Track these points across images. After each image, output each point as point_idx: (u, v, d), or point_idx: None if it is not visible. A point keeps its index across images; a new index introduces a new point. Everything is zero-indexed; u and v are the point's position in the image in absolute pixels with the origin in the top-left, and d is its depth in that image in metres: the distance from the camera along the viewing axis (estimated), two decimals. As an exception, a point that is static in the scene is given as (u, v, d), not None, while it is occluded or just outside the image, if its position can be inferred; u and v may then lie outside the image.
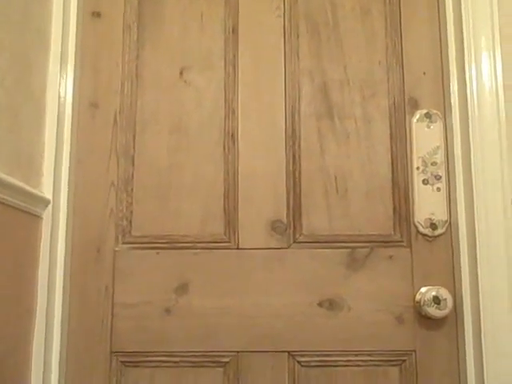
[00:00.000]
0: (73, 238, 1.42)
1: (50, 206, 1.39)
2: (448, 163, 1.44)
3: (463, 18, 1.43)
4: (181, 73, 1.48)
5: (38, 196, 1.36)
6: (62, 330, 1.38)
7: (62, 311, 1.38)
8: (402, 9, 1.51)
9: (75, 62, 1.46)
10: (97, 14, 1.49)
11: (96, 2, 1.50)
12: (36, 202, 1.35)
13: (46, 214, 1.39)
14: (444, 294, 1.37)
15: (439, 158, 1.43)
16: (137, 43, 1.49)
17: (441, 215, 1.41)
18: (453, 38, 1.47)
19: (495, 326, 1.34)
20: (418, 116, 1.45)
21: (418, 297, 1.39)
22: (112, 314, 1.39)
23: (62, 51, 1.44)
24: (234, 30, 1.50)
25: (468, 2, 1.43)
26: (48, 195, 1.39)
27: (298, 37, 1.51)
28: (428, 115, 1.45)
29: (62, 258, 1.39)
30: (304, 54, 1.50)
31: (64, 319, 1.38)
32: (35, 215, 1.36)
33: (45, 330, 1.35)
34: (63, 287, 1.39)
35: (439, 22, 1.49)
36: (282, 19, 1.51)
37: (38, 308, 1.36)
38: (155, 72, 1.49)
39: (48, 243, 1.38)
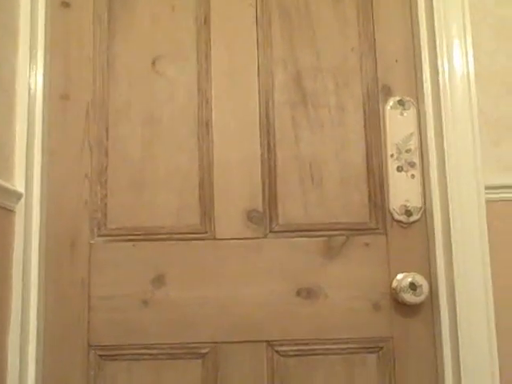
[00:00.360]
0: (47, 231, 1.44)
1: (22, 200, 1.41)
2: (422, 150, 1.48)
3: (434, 6, 1.47)
4: (153, 63, 1.50)
5: (10, 189, 1.38)
6: (38, 324, 1.40)
7: (38, 306, 1.40)
8: (373, -4, 1.52)
9: (45, 53, 1.48)
10: (66, 4, 1.51)
11: (65, -8, 1.50)
12: (8, 195, 1.37)
13: (19, 208, 1.41)
14: (420, 280, 1.41)
15: (413, 144, 1.47)
16: (108, 34, 1.51)
17: (415, 202, 1.46)
18: (424, 26, 1.51)
19: (470, 311, 1.38)
20: (391, 103, 1.49)
21: (394, 283, 1.43)
22: (88, 308, 1.42)
23: (30, 42, 1.46)
24: (206, 20, 1.52)
25: (439, -12, 1.45)
26: (20, 188, 1.41)
27: (270, 25, 1.54)
28: (401, 102, 1.49)
29: (37, 252, 1.41)
30: (277, 43, 1.53)
31: (40, 314, 1.40)
32: (7, 209, 1.38)
33: (20, 325, 1.38)
34: (38, 281, 1.41)
35: (411, 10, 1.53)
36: (254, 8, 1.54)
37: (13, 303, 1.38)
38: (127, 63, 1.51)
39: (22, 237, 1.40)
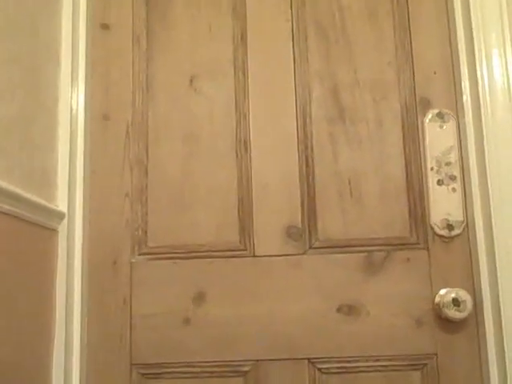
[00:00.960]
0: (89, 250, 1.53)
1: (65, 220, 1.49)
2: (462, 163, 1.52)
3: (472, 16, 1.51)
4: (191, 81, 1.58)
5: (53, 210, 1.46)
6: (81, 344, 1.48)
7: (81, 325, 1.48)
8: (409, 9, 1.60)
9: (86, 74, 1.57)
10: (105, 26, 1.60)
11: (104, 14, 1.61)
12: (51, 215, 1.45)
13: (62, 228, 1.49)
14: (463, 295, 1.45)
15: (453, 157, 1.52)
16: (146, 54, 1.60)
17: (457, 216, 1.50)
18: (462, 36, 1.55)
19: (516, 327, 1.40)
20: (430, 116, 1.54)
21: (437, 299, 1.47)
22: (130, 326, 1.49)
23: (72, 64, 1.55)
24: (243, 37, 1.60)
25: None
26: (63, 208, 1.49)
27: (306, 40, 1.61)
28: (440, 115, 1.53)
29: (79, 271, 1.49)
30: (313, 58, 1.59)
31: (83, 333, 1.48)
32: (51, 229, 1.47)
33: (64, 345, 1.45)
34: (81, 300, 1.49)
35: (448, 21, 1.58)
36: (290, 23, 1.61)
37: (56, 323, 1.46)
38: (165, 82, 1.59)
39: (65, 256, 1.48)
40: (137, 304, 1.50)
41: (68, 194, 1.51)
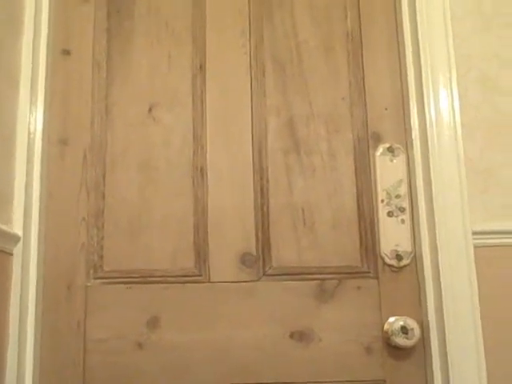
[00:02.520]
0: (44, 273, 1.71)
1: (20, 243, 1.67)
2: (411, 196, 1.77)
3: (422, 58, 1.79)
4: (149, 110, 1.80)
5: (9, 232, 1.64)
6: (34, 366, 1.64)
7: (34, 347, 1.65)
8: (363, 47, 1.86)
9: (45, 98, 1.77)
10: (67, 52, 1.81)
11: (66, 40, 1.82)
12: (6, 238, 1.63)
13: (17, 251, 1.67)
14: (411, 323, 1.68)
15: (403, 190, 1.77)
16: (106, 80, 1.81)
17: (406, 246, 1.75)
18: (412, 76, 1.82)
19: (461, 355, 1.65)
20: (381, 150, 1.79)
21: (386, 327, 1.70)
22: (84, 350, 1.67)
23: (31, 88, 1.74)
24: (202, 68, 1.83)
25: (426, 41, 1.79)
26: (18, 231, 1.67)
27: (264, 73, 1.85)
28: (391, 149, 1.79)
29: (34, 294, 1.67)
30: (270, 91, 1.84)
31: (36, 356, 1.66)
32: (5, 252, 1.64)
33: (17, 367, 1.61)
34: (35, 323, 1.66)
35: (399, 60, 1.86)
36: (248, 56, 1.85)
37: (9, 345, 1.62)
38: (124, 109, 1.80)
39: (19, 279, 1.65)
40: (91, 328, 1.69)
41: (24, 217, 1.69)
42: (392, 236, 1.76)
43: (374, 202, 1.78)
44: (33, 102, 1.76)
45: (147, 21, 1.86)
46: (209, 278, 1.73)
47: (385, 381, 1.70)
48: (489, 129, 1.77)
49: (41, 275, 1.70)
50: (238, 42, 1.86)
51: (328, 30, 1.88)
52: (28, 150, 1.72)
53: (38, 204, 1.72)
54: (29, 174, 1.71)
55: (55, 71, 1.82)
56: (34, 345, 1.66)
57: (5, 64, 1.67)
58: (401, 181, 1.78)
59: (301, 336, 1.71)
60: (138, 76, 1.83)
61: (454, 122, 1.76)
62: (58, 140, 1.78)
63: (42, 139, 1.75)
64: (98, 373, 1.67)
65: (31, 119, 1.74)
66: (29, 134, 1.73)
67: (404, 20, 1.86)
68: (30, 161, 1.72)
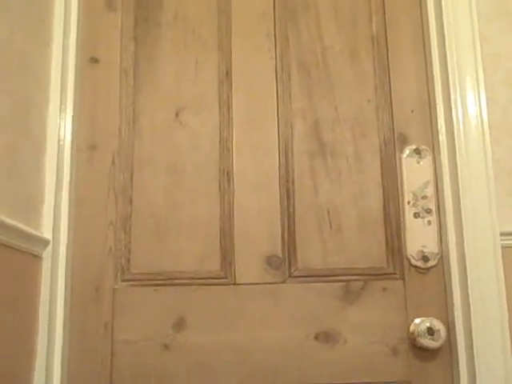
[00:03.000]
0: (72, 276, 1.80)
1: (49, 246, 1.77)
2: (438, 197, 1.83)
3: (448, 58, 1.85)
4: (176, 114, 1.89)
5: (38, 237, 1.73)
6: (62, 370, 1.73)
7: (63, 349, 1.74)
8: (389, 50, 1.93)
9: (74, 106, 1.88)
10: (95, 60, 1.92)
11: (94, 48, 1.93)
12: (36, 242, 1.73)
13: (46, 254, 1.77)
14: (437, 325, 1.73)
15: (429, 192, 1.82)
16: (133, 87, 1.91)
17: (432, 248, 1.79)
18: (439, 78, 1.88)
19: (488, 357, 1.69)
20: (407, 152, 1.85)
21: (412, 328, 1.75)
22: (112, 352, 1.76)
23: (61, 96, 1.85)
24: (228, 73, 1.92)
25: (452, 42, 1.84)
26: (48, 236, 1.77)
27: (289, 78, 1.93)
28: (417, 151, 1.84)
29: (62, 297, 1.76)
30: (296, 95, 1.91)
31: (64, 357, 1.75)
32: (35, 255, 1.74)
33: (45, 372, 1.70)
34: (63, 325, 1.75)
35: (425, 63, 1.92)
36: (274, 61, 1.94)
37: (38, 346, 1.72)
38: (151, 114, 1.90)
39: (48, 282, 1.75)
40: (118, 330, 1.77)
41: (53, 222, 1.79)
42: (418, 237, 1.81)
43: (401, 204, 1.84)
44: (62, 109, 1.86)
45: (174, 28, 1.96)
46: (235, 280, 1.81)
47: (411, 382, 1.75)
48: (517, 129, 1.81)
49: (69, 278, 1.80)
50: (263, 46, 1.94)
51: (353, 34, 1.96)
52: (58, 156, 1.82)
53: (66, 208, 1.82)
54: (58, 179, 1.81)
55: (84, 79, 1.92)
56: (63, 346, 1.75)
57: (34, 72, 1.78)
58: (427, 182, 1.83)
59: (326, 337, 1.77)
60: (165, 82, 1.93)
61: (482, 122, 1.81)
62: (86, 146, 1.89)
63: (71, 145, 1.86)
64: (125, 374, 1.75)
65: (61, 126, 1.85)
66: (58, 140, 1.83)
67: (430, 21, 1.92)
68: (59, 166, 1.82)
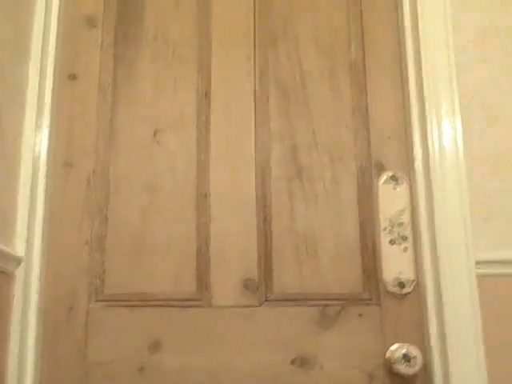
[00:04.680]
0: (45, 295, 1.78)
1: (22, 264, 1.75)
2: (414, 224, 1.85)
3: (424, 86, 1.88)
4: (154, 134, 1.89)
5: (11, 254, 1.72)
6: (33, 389, 1.69)
7: (35, 369, 1.72)
8: (367, 75, 1.96)
9: (50, 122, 1.86)
10: (73, 77, 1.92)
11: (72, 65, 1.93)
12: (8, 260, 1.71)
13: (19, 272, 1.75)
14: (413, 351, 1.74)
15: (405, 218, 1.85)
16: (111, 105, 1.92)
17: (408, 274, 1.82)
18: (416, 104, 1.91)
19: (464, 383, 1.71)
20: (384, 178, 1.88)
21: (388, 354, 1.77)
22: (86, 373, 1.74)
23: (37, 112, 1.84)
24: (207, 94, 1.93)
25: (429, 71, 1.89)
26: (21, 253, 1.75)
27: (268, 100, 1.95)
28: (394, 178, 1.87)
29: (35, 315, 1.74)
30: (274, 118, 1.93)
31: (36, 378, 1.72)
32: (7, 273, 1.72)
33: (16, 390, 1.67)
34: (35, 344, 1.73)
35: (403, 89, 1.95)
36: (253, 83, 1.96)
37: (10, 365, 1.69)
38: (129, 133, 1.90)
39: (20, 301, 1.73)
40: (92, 350, 1.76)
41: (26, 239, 1.77)
42: (394, 264, 1.84)
43: (377, 230, 1.86)
44: (38, 125, 1.85)
45: (154, 46, 1.97)
46: (210, 303, 1.80)
47: (387, 409, 1.75)
48: (491, 157, 1.85)
49: (42, 297, 1.78)
50: (242, 68, 1.96)
51: (332, 60, 1.98)
52: (33, 173, 1.81)
53: (41, 226, 1.80)
54: (32, 196, 1.80)
55: (61, 95, 1.92)
56: (35, 365, 1.72)
57: (11, 87, 1.76)
58: (404, 209, 1.86)
59: (302, 362, 1.77)
60: (143, 101, 1.93)
61: (457, 150, 1.84)
62: (62, 163, 1.88)
63: (47, 162, 1.84)
64: (97, 396, 1.72)
65: (36, 142, 1.84)
66: (33, 156, 1.82)
67: (408, 49, 1.95)
68: (34, 183, 1.80)
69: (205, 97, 1.94)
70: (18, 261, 1.74)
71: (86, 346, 1.76)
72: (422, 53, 1.92)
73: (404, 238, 1.85)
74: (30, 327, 1.74)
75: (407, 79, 1.94)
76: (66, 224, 1.84)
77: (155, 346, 1.76)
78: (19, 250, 1.76)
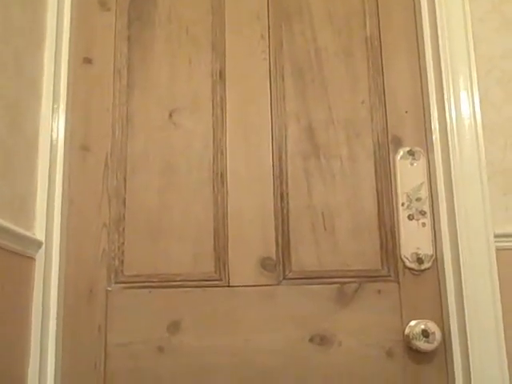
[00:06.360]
0: (65, 278, 1.80)
1: (42, 248, 1.77)
2: (432, 199, 1.82)
3: (441, 59, 1.86)
4: (170, 115, 1.89)
5: (31, 238, 1.74)
6: (55, 370, 1.73)
7: (56, 351, 1.74)
8: (383, 51, 1.94)
9: (67, 106, 1.88)
10: (88, 60, 1.92)
11: (87, 49, 1.93)
12: (29, 244, 1.73)
13: (39, 256, 1.77)
14: (432, 327, 1.73)
15: (423, 193, 1.82)
16: (127, 88, 1.91)
17: (426, 250, 1.80)
18: (432, 78, 1.89)
19: (483, 358, 1.70)
20: (401, 153, 1.85)
21: (407, 330, 1.76)
22: (105, 354, 1.76)
23: (53, 96, 1.85)
24: (221, 74, 1.92)
25: (446, 43, 1.85)
26: (41, 237, 1.77)
27: (283, 79, 1.93)
28: (411, 152, 1.84)
29: (55, 298, 1.77)
30: (289, 96, 1.91)
31: (57, 360, 1.75)
32: (28, 257, 1.73)
33: (38, 371, 1.71)
34: (56, 327, 1.76)
35: (419, 63, 1.93)
36: (268, 62, 1.94)
37: (31, 348, 1.72)
38: (145, 115, 1.90)
39: (41, 284, 1.75)
40: (112, 332, 1.78)
41: (46, 223, 1.79)
42: (413, 239, 1.82)
43: (395, 206, 1.85)
44: (55, 110, 1.86)
45: (168, 28, 1.96)
46: (228, 283, 1.81)
47: (406, 385, 1.74)
48: (510, 130, 1.80)
49: (62, 280, 1.80)
50: (257, 47, 1.95)
51: (347, 36, 1.96)
52: (50, 157, 1.82)
53: (59, 210, 1.82)
54: (51, 180, 1.82)
55: (77, 79, 1.92)
56: (56, 348, 1.75)
57: (27, 72, 1.77)
58: (421, 184, 1.84)
59: (321, 340, 1.77)
60: (159, 82, 1.93)
61: (475, 123, 1.82)
62: (79, 146, 1.88)
63: (64, 146, 1.85)
64: (118, 377, 1.76)
65: (53, 126, 1.85)
66: (51, 140, 1.83)
67: (424, 22, 1.93)
68: (52, 167, 1.82)
69: (219, 77, 1.93)
70: (38, 245, 1.76)
71: (106, 327, 1.78)
72: (439, 25, 1.89)
73: (422, 213, 1.83)
74: (52, 310, 1.76)
75: (424, 52, 1.91)
76: (85, 207, 1.85)
77: (174, 327, 1.78)
78: (39, 234, 1.78)
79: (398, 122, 1.90)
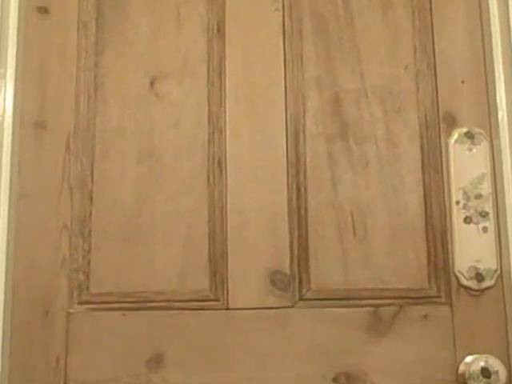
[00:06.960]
0: (14, 296, 1.69)
1: (-16, 256, 1.65)
2: (496, 196, 1.72)
3: (511, 11, 1.73)
4: (151, 83, 1.78)
5: (-32, 244, 1.62)
6: (-2, 418, 1.62)
7: (1, 392, 1.62)
8: (433, 2, 1.83)
9: (16, 70, 1.76)
10: (44, 10, 1.80)
11: (42, -6, 1.81)
12: (-35, 251, 1.61)
13: (-20, 266, 1.65)
14: (495, 364, 1.65)
15: (485, 189, 1.73)
16: (95, 46, 1.80)
17: (489, 263, 1.70)
18: (499, 37, 1.78)
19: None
20: (456, 136, 1.76)
21: (461, 368, 1.67)
22: (64, 396, 1.64)
23: (-1, 58, 1.72)
24: (220, 29, 1.81)
25: (517, -7, 1.74)
26: (-19, 243, 1.65)
27: (301, 36, 1.83)
28: (469, 135, 1.75)
29: (1, 323, 1.65)
30: (309, 59, 1.81)
31: (2, 403, 1.63)
32: (-36, 268, 1.62)
33: (-23, 417, 1.59)
34: (1, 362, 1.64)
35: (481, 19, 1.82)
36: (281, 14, 1.83)
37: (-32, 387, 1.59)
38: (119, 83, 1.79)
39: (-18, 304, 1.63)
40: (73, 367, 1.67)
41: (-11, 224, 1.67)
42: (470, 249, 1.72)
43: (447, 205, 1.75)
44: (1, 76, 1.75)
45: (149, -32, 1.84)
46: (227, 304, 1.71)
47: None
48: None
49: (9, 298, 1.69)
50: (267, -7, 1.82)
51: (386, -20, 1.84)
52: (-5, 137, 1.71)
53: (6, 206, 1.72)
54: (-5, 167, 1.70)
55: (29, 35, 1.80)
56: (1, 385, 1.64)
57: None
58: (483, 176, 1.74)
59: (348, 379, 1.67)
60: (137, 40, 1.81)
61: (554, 97, 1.70)
62: (33, 123, 1.77)
63: (13, 123, 1.75)
64: (82, 426, 1.64)
65: (-1, 98, 1.73)
66: (-4, 116, 1.72)
67: (488, -34, 1.81)
68: (-3, 150, 1.70)
69: (217, 33, 1.82)
70: (-22, 252, 1.66)
71: (66, 360, 1.67)
72: (508, -32, 1.77)
73: (483, 215, 1.73)
74: (-4, 338, 1.65)
75: (487, 4, 1.81)
76: (40, 203, 1.74)
77: (156, 362, 1.67)
78: (-21, 237, 1.67)
79: (452, 94, 1.79)
